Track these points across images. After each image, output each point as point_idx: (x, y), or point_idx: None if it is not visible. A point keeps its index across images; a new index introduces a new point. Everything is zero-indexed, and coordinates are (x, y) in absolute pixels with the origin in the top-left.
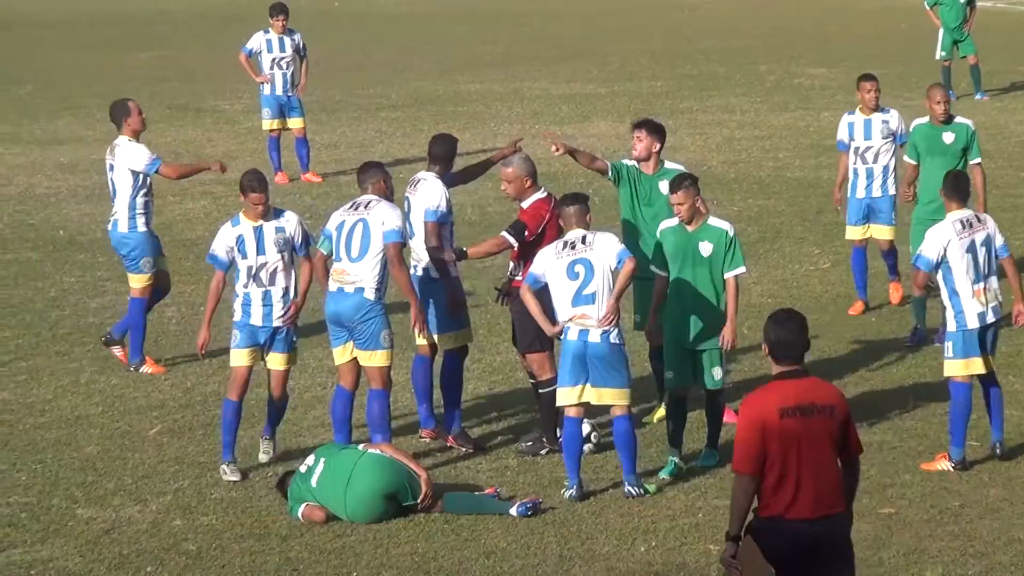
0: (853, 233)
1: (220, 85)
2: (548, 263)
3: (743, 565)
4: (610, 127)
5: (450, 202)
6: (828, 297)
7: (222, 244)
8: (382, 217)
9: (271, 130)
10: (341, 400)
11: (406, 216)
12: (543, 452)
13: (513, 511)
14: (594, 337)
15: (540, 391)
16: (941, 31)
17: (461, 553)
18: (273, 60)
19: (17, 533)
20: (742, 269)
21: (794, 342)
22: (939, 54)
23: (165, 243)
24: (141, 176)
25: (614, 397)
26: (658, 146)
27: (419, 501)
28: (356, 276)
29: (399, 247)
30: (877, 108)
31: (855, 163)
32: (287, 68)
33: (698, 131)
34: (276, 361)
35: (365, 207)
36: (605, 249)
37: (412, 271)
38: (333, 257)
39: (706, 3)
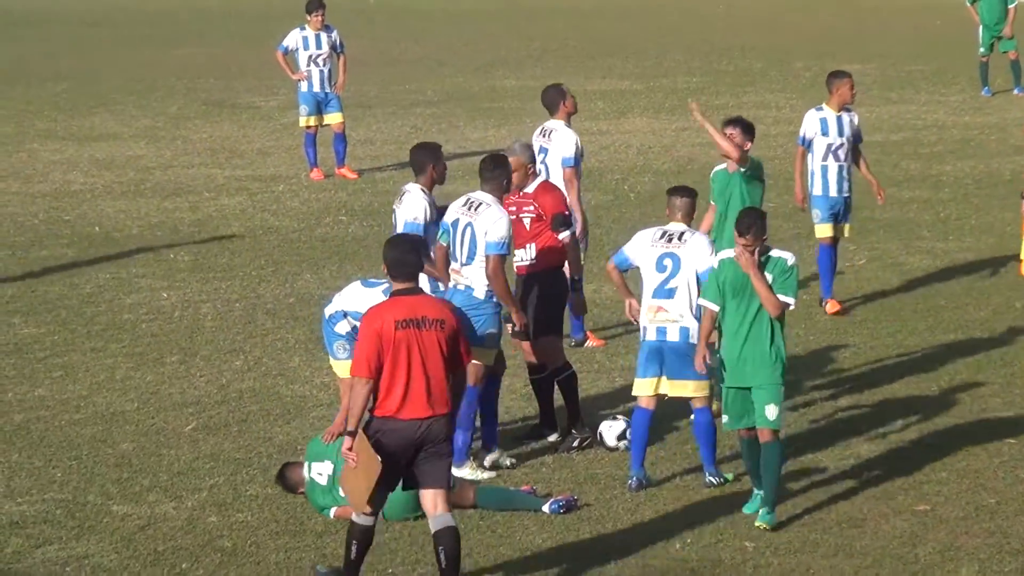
0: (824, 231)
1: (255, 82)
2: (642, 249)
3: (358, 456)
4: (646, 123)
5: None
6: (864, 293)
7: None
8: (486, 226)
9: (308, 126)
10: (486, 393)
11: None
12: (575, 445)
13: (546, 508)
14: (672, 334)
15: (557, 379)
16: (980, 28)
17: (496, 550)
18: (310, 57)
19: (52, 530)
20: (790, 300)
21: (407, 261)
22: (980, 50)
23: (200, 239)
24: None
25: (693, 389)
26: (748, 145)
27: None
28: (466, 277)
29: (500, 259)
30: (844, 106)
31: (826, 160)
32: (324, 65)
33: None
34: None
35: (475, 209)
36: (696, 252)
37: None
38: (451, 254)
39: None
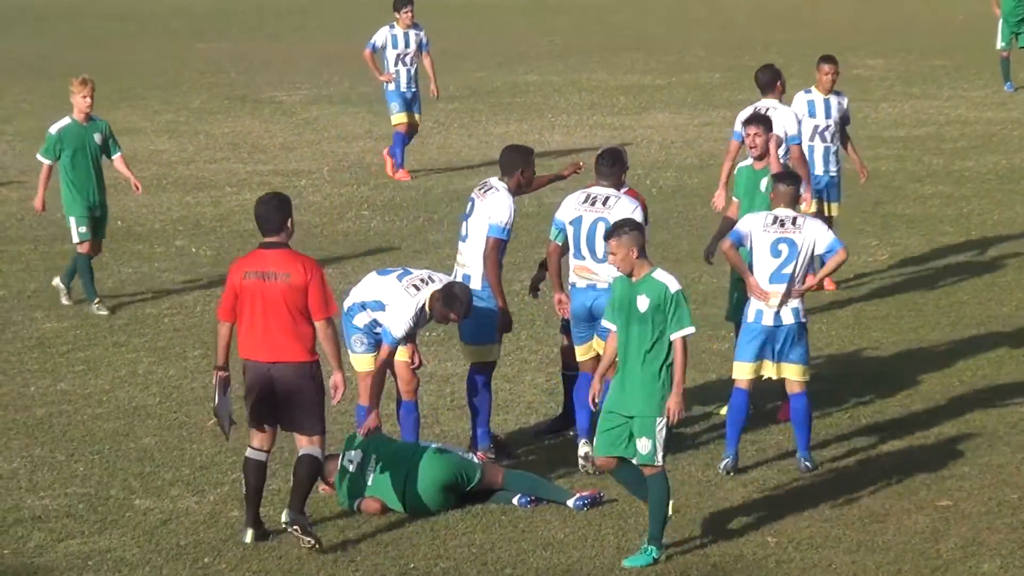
0: (810, 208)
1: (278, 76)
2: (755, 231)
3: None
4: (668, 118)
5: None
6: (886, 288)
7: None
8: (624, 216)
9: (398, 124)
10: (588, 384)
11: (465, 218)
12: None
13: (571, 503)
14: (788, 317)
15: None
16: (1001, 22)
17: (518, 545)
18: (398, 56)
19: (75, 524)
20: (689, 330)
21: (270, 217)
22: (999, 44)
23: (222, 234)
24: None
25: (795, 372)
26: (772, 136)
27: (479, 480)
28: (606, 274)
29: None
30: (832, 90)
31: (813, 140)
32: (411, 64)
33: None
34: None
35: (604, 203)
36: (814, 234)
37: (454, 275)
38: (573, 254)
39: None
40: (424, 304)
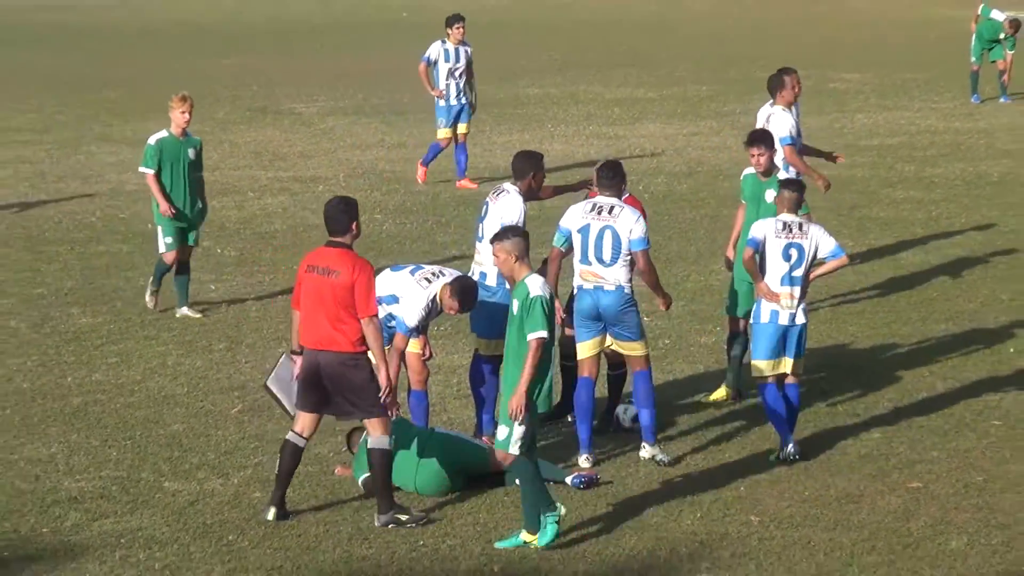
0: None
1: (296, 89)
2: (768, 237)
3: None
4: (659, 129)
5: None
6: (862, 286)
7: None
8: (629, 226)
9: (441, 139)
10: (587, 390)
11: (481, 220)
12: (611, 431)
13: (569, 481)
14: (800, 317)
15: (614, 375)
16: (974, 37)
17: (520, 522)
18: (449, 70)
19: (109, 504)
20: (538, 333)
21: (337, 219)
22: (972, 59)
23: (245, 236)
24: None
25: (795, 367)
26: (772, 154)
27: (491, 469)
28: (612, 277)
29: (647, 252)
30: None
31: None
32: (460, 78)
33: (741, 132)
34: None
35: (610, 212)
36: (817, 238)
37: (471, 273)
38: (579, 259)
39: (749, 14)
40: (436, 296)
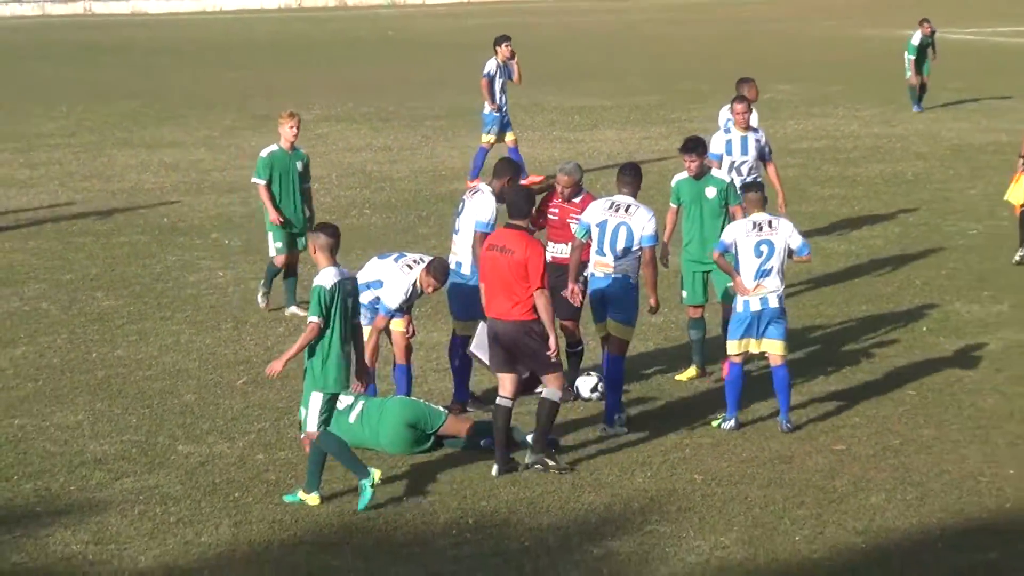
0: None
1: (294, 98)
2: (739, 237)
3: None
4: (614, 134)
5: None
6: (793, 271)
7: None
8: (643, 223)
9: (486, 143)
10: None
11: (457, 215)
12: (571, 401)
13: (529, 438)
14: (773, 302)
15: (571, 352)
16: (907, 55)
17: (491, 481)
18: (502, 84)
19: (129, 465)
20: (311, 318)
21: (519, 205)
22: (907, 75)
23: (250, 228)
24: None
25: (776, 348)
26: (703, 160)
27: (441, 425)
28: (621, 268)
29: (654, 248)
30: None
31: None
32: (506, 91)
33: (686, 136)
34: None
35: (626, 210)
36: (787, 233)
37: (450, 263)
38: (595, 249)
39: (695, 33)
40: (416, 280)
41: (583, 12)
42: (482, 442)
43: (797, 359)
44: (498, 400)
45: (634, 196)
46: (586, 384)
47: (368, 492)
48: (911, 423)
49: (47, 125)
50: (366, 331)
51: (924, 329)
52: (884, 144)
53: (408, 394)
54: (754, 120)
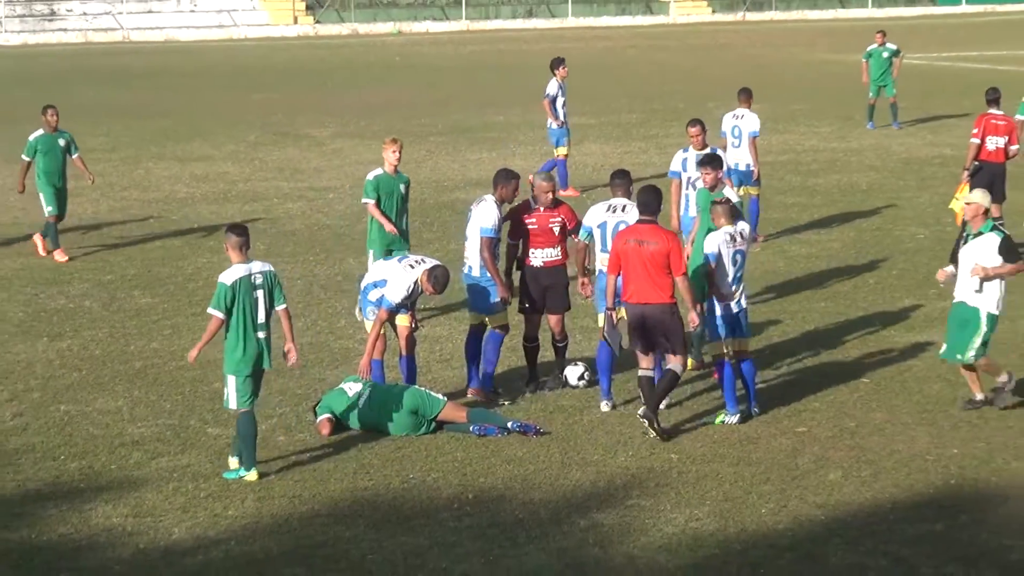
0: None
1: (311, 118)
2: (722, 248)
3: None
4: (598, 148)
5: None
6: (759, 272)
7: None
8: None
9: (562, 154)
10: (604, 352)
11: (467, 224)
12: (560, 388)
13: (509, 424)
14: (743, 303)
15: (560, 345)
16: (868, 77)
17: (489, 460)
18: (563, 101)
19: (163, 446)
20: (209, 310)
21: (649, 203)
22: (869, 95)
23: (271, 233)
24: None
25: (746, 344)
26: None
27: (440, 411)
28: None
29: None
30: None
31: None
32: (565, 108)
33: (663, 151)
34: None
35: (623, 210)
36: (749, 240)
37: (462, 266)
38: (599, 248)
39: (673, 58)
40: (417, 279)
41: (573, 39)
42: (472, 428)
43: (763, 351)
44: (640, 372)
45: (627, 197)
46: (574, 372)
47: (237, 475)
48: (865, 407)
49: (90, 141)
50: (369, 326)
51: (877, 323)
52: (841, 157)
53: (412, 383)
54: (754, 122)
